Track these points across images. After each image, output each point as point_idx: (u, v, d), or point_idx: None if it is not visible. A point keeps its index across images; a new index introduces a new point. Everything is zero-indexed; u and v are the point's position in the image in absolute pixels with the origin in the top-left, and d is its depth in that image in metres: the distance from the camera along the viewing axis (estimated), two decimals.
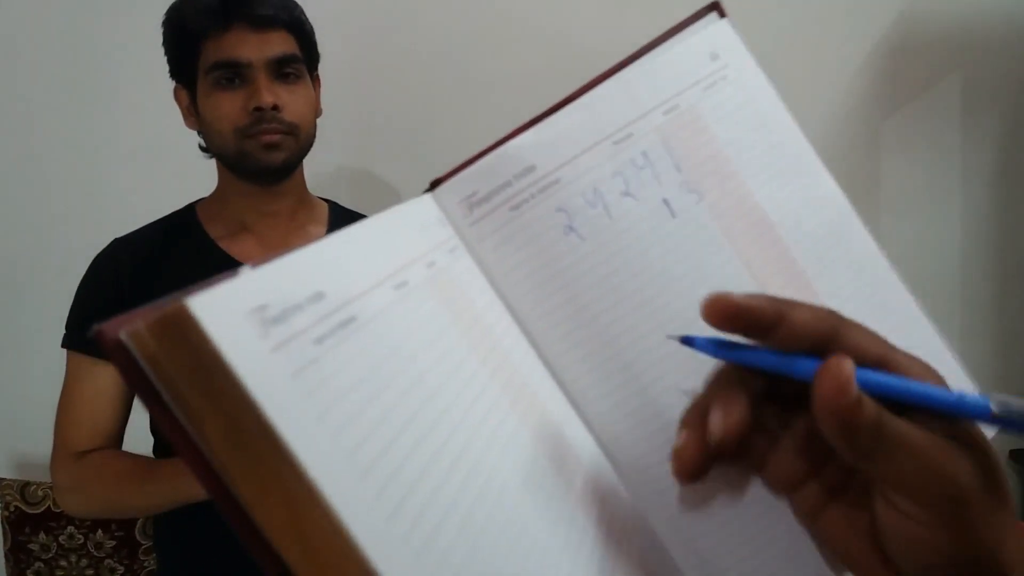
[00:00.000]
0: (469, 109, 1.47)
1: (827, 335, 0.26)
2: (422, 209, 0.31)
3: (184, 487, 0.91)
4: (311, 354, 0.21)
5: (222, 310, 0.19)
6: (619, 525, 0.31)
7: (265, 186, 1.03)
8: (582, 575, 0.27)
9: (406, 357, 0.25)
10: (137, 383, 0.19)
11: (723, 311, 0.26)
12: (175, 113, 1.05)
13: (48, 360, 1.08)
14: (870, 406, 0.24)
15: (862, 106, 1.47)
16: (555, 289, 0.33)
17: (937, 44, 1.45)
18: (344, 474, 0.20)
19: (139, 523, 1.35)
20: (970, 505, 0.25)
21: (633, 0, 1.43)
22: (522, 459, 0.28)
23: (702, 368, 0.30)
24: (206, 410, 0.19)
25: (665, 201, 0.35)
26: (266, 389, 0.19)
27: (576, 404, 0.33)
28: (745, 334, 0.27)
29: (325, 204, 1.15)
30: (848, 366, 0.24)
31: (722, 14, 0.40)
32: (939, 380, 0.26)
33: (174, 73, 1.03)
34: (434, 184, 0.33)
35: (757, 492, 0.30)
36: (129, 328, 0.19)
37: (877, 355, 0.26)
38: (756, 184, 0.38)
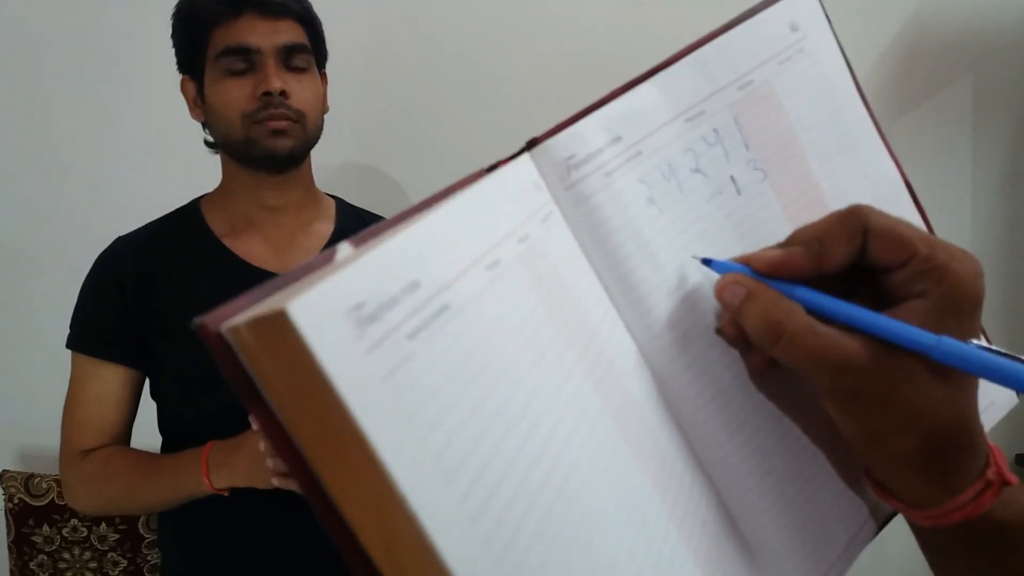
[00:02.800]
0: (476, 106, 1.47)
1: (862, 241, 0.30)
2: (518, 172, 0.31)
3: (187, 482, 0.90)
4: (404, 350, 0.21)
5: (320, 312, 0.19)
6: (700, 517, 0.31)
7: (271, 175, 1.01)
8: (659, 572, 0.27)
9: (496, 346, 0.24)
10: (234, 376, 0.19)
11: (769, 268, 0.30)
12: (181, 109, 1.05)
13: (52, 354, 1.07)
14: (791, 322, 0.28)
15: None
16: (644, 259, 0.33)
17: (948, 47, 1.45)
18: (430, 480, 0.20)
19: (142, 517, 1.35)
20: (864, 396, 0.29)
21: None
22: (604, 449, 0.27)
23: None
24: (300, 409, 0.19)
25: (732, 178, 0.36)
26: (359, 396, 0.19)
27: (660, 379, 0.33)
28: (797, 279, 0.30)
29: (333, 201, 1.14)
30: (729, 291, 0.30)
31: None
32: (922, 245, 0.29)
33: (182, 64, 1.03)
34: (531, 144, 0.32)
35: None
36: (230, 324, 0.19)
37: (895, 232, 0.30)
38: (817, 163, 0.38)
